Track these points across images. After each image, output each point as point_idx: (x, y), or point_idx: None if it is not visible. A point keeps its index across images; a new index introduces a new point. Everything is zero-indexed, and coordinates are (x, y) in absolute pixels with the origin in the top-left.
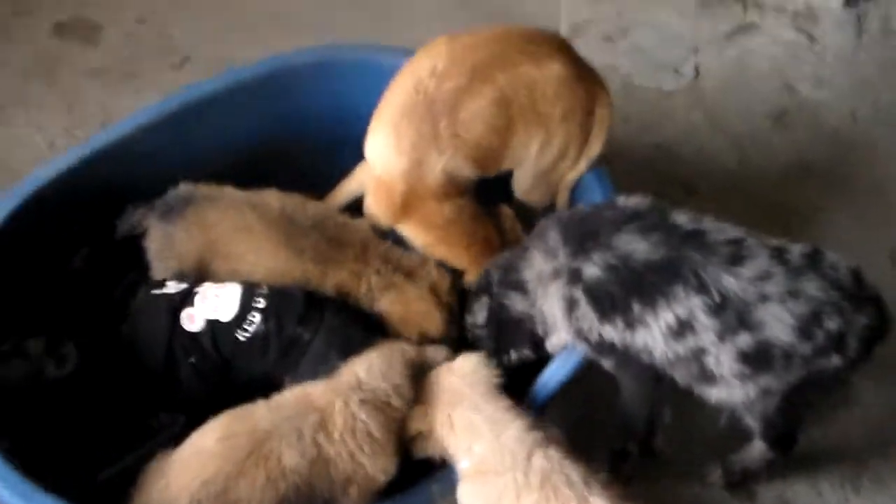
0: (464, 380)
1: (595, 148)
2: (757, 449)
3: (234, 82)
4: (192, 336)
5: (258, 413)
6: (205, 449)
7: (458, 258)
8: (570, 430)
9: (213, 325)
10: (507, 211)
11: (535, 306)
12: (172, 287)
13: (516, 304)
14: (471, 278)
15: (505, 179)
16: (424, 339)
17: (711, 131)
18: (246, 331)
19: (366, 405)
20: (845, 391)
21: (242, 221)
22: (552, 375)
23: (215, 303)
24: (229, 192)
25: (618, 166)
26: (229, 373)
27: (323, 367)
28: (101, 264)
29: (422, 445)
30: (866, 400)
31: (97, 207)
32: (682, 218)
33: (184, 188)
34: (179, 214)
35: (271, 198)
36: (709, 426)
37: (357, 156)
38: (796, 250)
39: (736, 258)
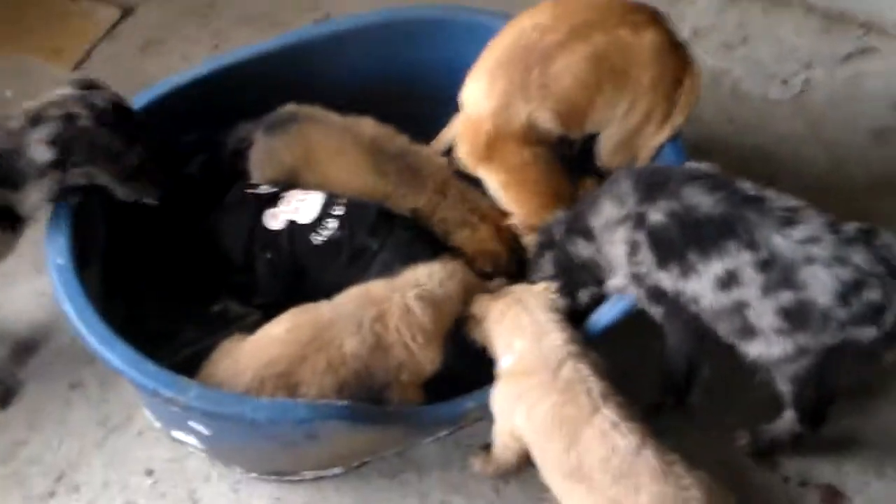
0: (529, 291)
1: (679, 118)
2: (787, 420)
3: (353, 26)
4: (272, 233)
5: (322, 307)
6: (273, 336)
7: (527, 202)
8: (612, 380)
9: (292, 225)
10: (588, 182)
11: (601, 252)
12: (263, 189)
13: (581, 250)
14: (532, 230)
15: (590, 154)
16: (489, 277)
17: (810, 140)
18: (321, 234)
19: (421, 301)
20: (879, 373)
21: (338, 143)
22: (601, 316)
23: (298, 206)
24: (330, 115)
25: (715, 160)
26: (302, 277)
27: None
28: (214, 171)
29: (473, 328)
30: None
31: (215, 119)
32: (746, 185)
33: (289, 108)
34: (283, 130)
35: (366, 126)
36: (746, 394)
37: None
38: (852, 225)
39: (789, 221)
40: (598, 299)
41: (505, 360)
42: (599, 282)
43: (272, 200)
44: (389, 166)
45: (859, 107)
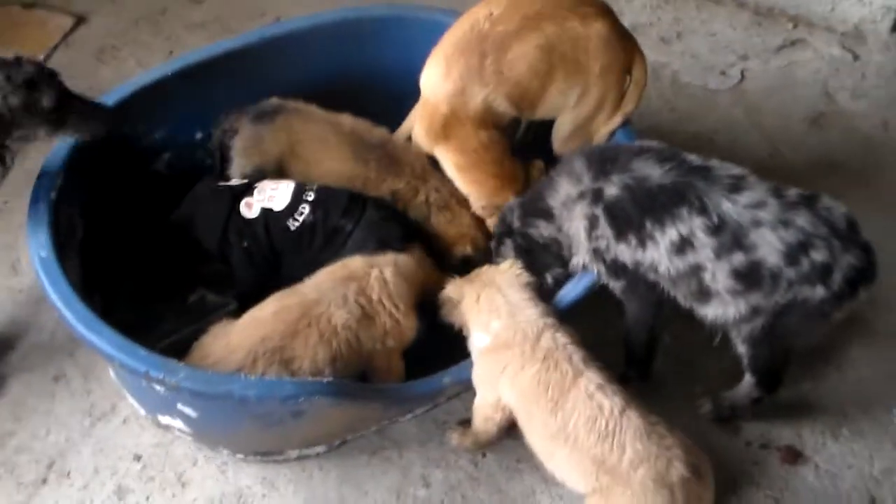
0: (498, 272)
1: (630, 105)
2: (746, 385)
3: (311, 25)
4: (248, 222)
5: (305, 287)
6: (262, 317)
7: (484, 184)
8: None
9: (267, 213)
10: (538, 163)
11: (562, 230)
12: (235, 181)
13: (542, 230)
14: (488, 212)
15: (542, 138)
16: (467, 257)
17: (748, 127)
18: (296, 220)
19: (396, 276)
20: (829, 339)
21: (321, 133)
22: (566, 294)
23: (272, 194)
24: (312, 108)
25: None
26: (277, 263)
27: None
28: (180, 168)
29: (449, 311)
30: (857, 364)
31: (180, 118)
32: (692, 156)
33: (275, 100)
34: (270, 119)
35: (345, 119)
36: (707, 364)
37: None
38: (794, 190)
39: (735, 188)
40: (562, 281)
41: (481, 339)
42: (563, 262)
43: (245, 191)
44: (370, 154)
45: (794, 95)
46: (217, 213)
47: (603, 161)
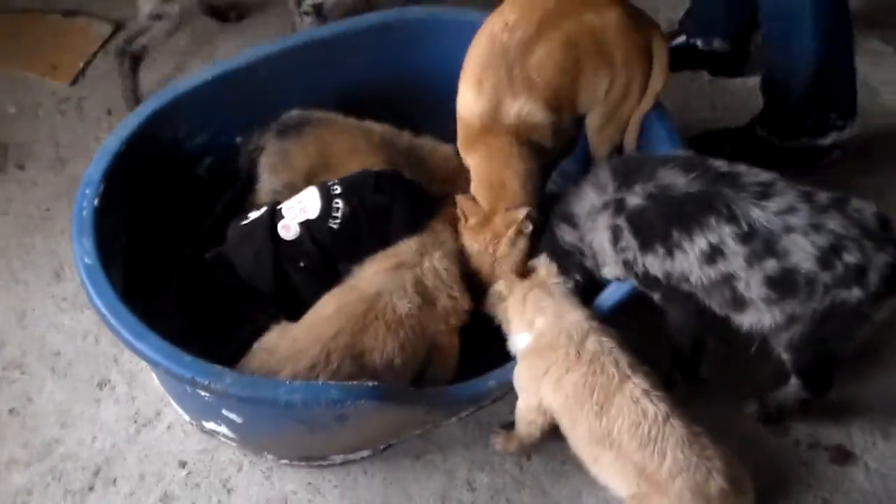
0: (547, 274)
1: (657, 83)
2: (793, 387)
3: (349, 29)
4: (293, 243)
5: (361, 284)
6: (326, 315)
7: (481, 192)
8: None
9: (306, 225)
10: (518, 212)
11: (584, 240)
12: (254, 214)
13: (566, 235)
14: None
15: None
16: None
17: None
18: (335, 218)
19: (446, 259)
20: (871, 332)
21: (352, 142)
22: (607, 298)
23: (301, 206)
24: (339, 117)
25: None
26: (335, 268)
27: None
28: (222, 175)
29: (494, 306)
30: None
31: (222, 122)
32: (719, 162)
33: (298, 112)
34: (297, 133)
35: (373, 125)
36: (755, 365)
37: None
38: (824, 194)
39: (764, 195)
40: (579, 291)
41: (522, 339)
42: (584, 272)
43: (274, 216)
44: (400, 160)
45: None
46: (262, 249)
47: (628, 172)
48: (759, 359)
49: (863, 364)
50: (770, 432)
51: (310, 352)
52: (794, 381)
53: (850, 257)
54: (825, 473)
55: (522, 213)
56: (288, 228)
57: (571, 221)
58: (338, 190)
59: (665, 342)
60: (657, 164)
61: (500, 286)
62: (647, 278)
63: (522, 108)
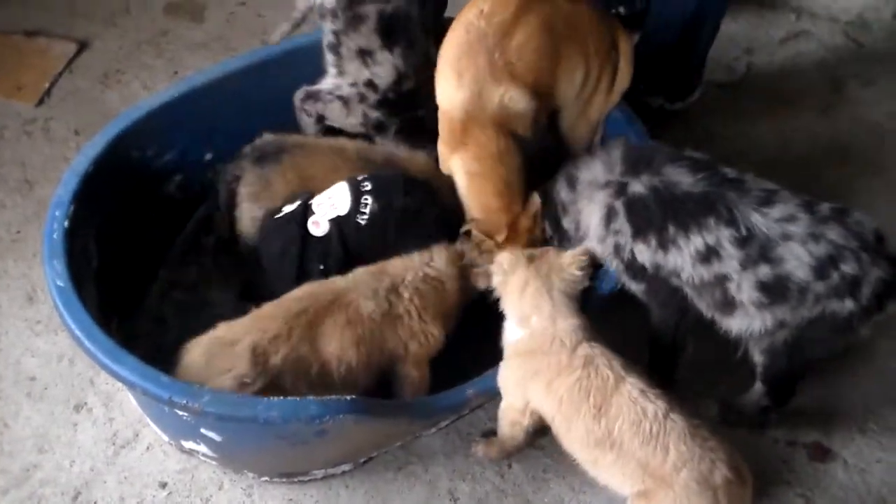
0: (558, 265)
1: (623, 80)
2: (756, 393)
3: (315, 43)
4: (321, 240)
5: (337, 279)
6: (296, 296)
7: (486, 200)
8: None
9: (336, 221)
10: (535, 199)
11: (576, 204)
12: (289, 207)
13: (562, 191)
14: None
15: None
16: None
17: (756, 119)
18: (363, 214)
19: (427, 281)
20: (856, 344)
21: (329, 162)
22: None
23: (330, 202)
24: (312, 139)
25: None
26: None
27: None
28: (192, 191)
29: (493, 278)
30: (882, 356)
31: (190, 139)
32: (727, 169)
33: (273, 137)
34: (275, 160)
35: (345, 143)
36: (725, 370)
37: None
38: (826, 205)
39: (767, 201)
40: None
41: (515, 333)
42: (558, 229)
43: (306, 211)
44: (380, 171)
45: (800, 86)
46: (291, 242)
47: (638, 159)
48: (724, 363)
49: (837, 361)
50: (747, 431)
51: (275, 322)
52: (757, 388)
53: (848, 268)
54: (805, 470)
55: (537, 200)
56: (318, 224)
57: (572, 183)
58: (368, 186)
59: (644, 346)
60: (667, 159)
61: (503, 260)
62: (633, 266)
63: (505, 94)
